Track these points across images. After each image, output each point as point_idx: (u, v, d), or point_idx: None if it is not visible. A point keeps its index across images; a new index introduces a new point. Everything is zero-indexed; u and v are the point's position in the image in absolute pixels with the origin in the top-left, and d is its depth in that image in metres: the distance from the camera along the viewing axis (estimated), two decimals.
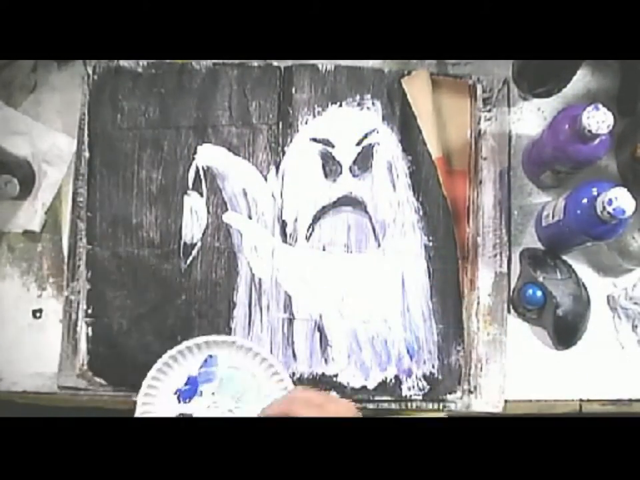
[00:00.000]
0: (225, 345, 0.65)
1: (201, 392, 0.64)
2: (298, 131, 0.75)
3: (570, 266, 0.73)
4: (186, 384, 0.65)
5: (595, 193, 0.63)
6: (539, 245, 0.76)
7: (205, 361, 0.65)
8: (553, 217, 0.69)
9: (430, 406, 0.72)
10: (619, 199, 0.59)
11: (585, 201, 0.64)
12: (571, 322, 0.71)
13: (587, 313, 0.73)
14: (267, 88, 0.76)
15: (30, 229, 0.74)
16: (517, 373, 0.73)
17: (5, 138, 0.75)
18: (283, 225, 0.74)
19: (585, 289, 0.73)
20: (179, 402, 0.64)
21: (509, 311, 0.74)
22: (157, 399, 0.64)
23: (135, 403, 0.71)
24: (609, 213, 0.60)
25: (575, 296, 0.71)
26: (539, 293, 0.71)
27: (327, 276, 0.73)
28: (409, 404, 0.72)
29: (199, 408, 0.64)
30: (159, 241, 0.74)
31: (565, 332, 0.72)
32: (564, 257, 0.74)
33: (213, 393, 0.64)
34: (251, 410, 0.63)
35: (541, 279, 0.71)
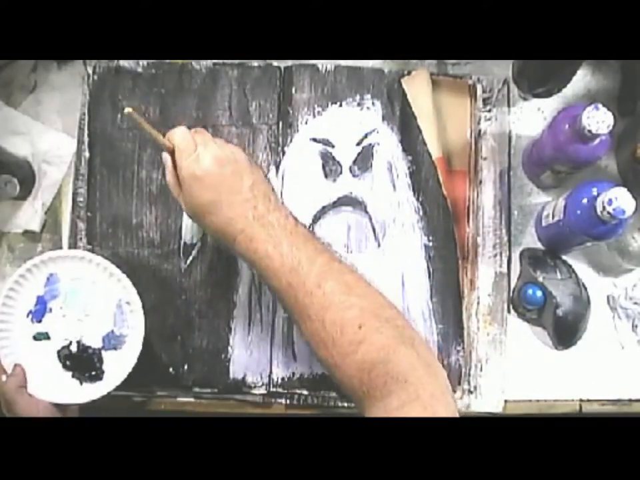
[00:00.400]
0: (63, 259, 0.66)
1: (50, 309, 0.66)
2: (298, 130, 0.75)
3: (570, 266, 0.73)
4: (36, 304, 0.66)
5: (595, 193, 0.63)
6: (539, 245, 0.76)
7: (47, 279, 0.66)
8: (552, 217, 0.69)
9: None
10: (619, 199, 0.59)
11: (585, 201, 0.64)
12: (571, 322, 0.71)
13: (587, 313, 0.73)
14: (266, 88, 0.76)
15: (30, 229, 0.74)
16: (516, 373, 0.73)
17: (5, 138, 0.75)
18: None
19: (585, 289, 0.73)
20: (32, 322, 0.65)
21: (508, 311, 0.74)
22: (11, 324, 0.65)
23: (134, 402, 0.72)
24: (608, 213, 0.60)
25: (574, 296, 0.71)
26: (539, 293, 0.71)
27: None
28: None
29: (51, 324, 0.66)
30: (159, 240, 0.74)
31: (565, 332, 0.72)
32: (564, 257, 0.74)
33: (61, 307, 0.66)
34: (98, 315, 0.66)
35: (540, 279, 0.71)
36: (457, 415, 0.52)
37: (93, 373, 0.65)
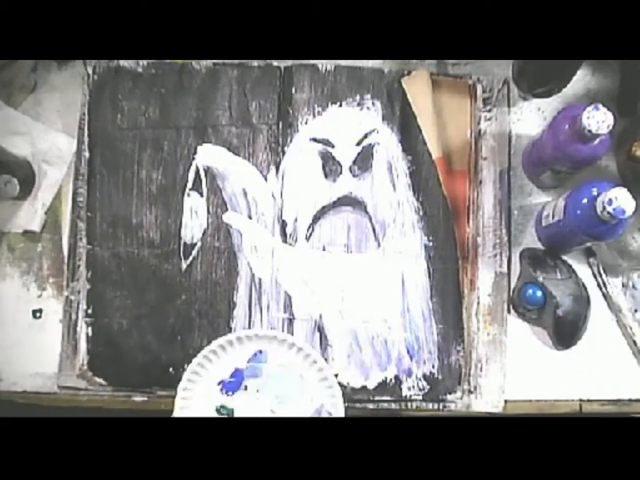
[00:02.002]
0: (276, 341, 0.63)
1: (246, 386, 0.62)
2: (298, 131, 0.75)
3: (570, 266, 0.73)
4: (231, 376, 0.62)
5: (595, 193, 0.63)
6: (538, 245, 0.76)
7: (254, 354, 0.63)
8: (553, 216, 0.69)
9: (430, 406, 0.72)
10: (619, 199, 0.59)
11: (585, 201, 0.64)
12: (571, 322, 0.71)
13: (587, 312, 0.73)
14: (266, 88, 0.76)
15: (30, 229, 0.74)
16: (516, 372, 0.73)
17: (5, 138, 0.75)
18: (283, 225, 0.74)
19: (585, 289, 0.73)
20: (222, 393, 0.62)
21: (509, 311, 0.74)
22: (198, 386, 0.62)
23: (134, 402, 0.72)
24: (609, 213, 0.60)
25: (575, 296, 0.71)
26: (539, 293, 0.71)
27: (327, 276, 0.73)
28: (409, 404, 0.72)
29: (241, 403, 0.61)
30: (158, 241, 0.74)
31: (565, 332, 0.72)
32: (564, 257, 0.74)
33: (257, 390, 0.62)
34: (290, 411, 0.62)
35: (541, 279, 0.71)
36: None
37: None
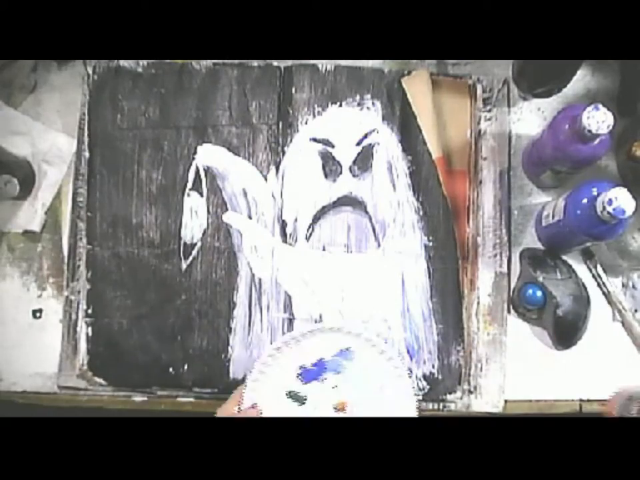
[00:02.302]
0: (367, 344, 0.61)
1: (324, 379, 0.60)
2: (298, 131, 0.75)
3: (570, 266, 0.73)
4: (313, 365, 0.61)
5: (595, 193, 0.63)
6: (539, 245, 0.76)
7: (342, 350, 0.61)
8: (553, 216, 0.69)
9: (430, 406, 0.72)
10: (619, 198, 0.59)
11: (585, 201, 0.64)
12: (571, 322, 0.71)
13: (587, 313, 0.73)
14: (267, 88, 0.76)
15: (30, 229, 0.74)
16: (516, 372, 0.73)
17: (5, 138, 0.75)
18: (283, 224, 0.74)
19: (585, 288, 0.73)
20: (297, 378, 0.60)
21: (509, 311, 0.74)
22: (276, 366, 0.60)
23: (134, 402, 0.72)
24: (609, 213, 0.60)
25: (575, 296, 0.71)
26: (539, 293, 0.71)
27: (326, 276, 0.73)
28: None
29: (315, 393, 0.60)
30: (158, 241, 0.74)
31: (565, 332, 0.72)
32: (564, 257, 0.74)
33: (335, 386, 0.60)
34: (358, 414, 0.60)
35: (540, 279, 0.71)
36: None
37: None
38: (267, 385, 0.60)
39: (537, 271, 0.72)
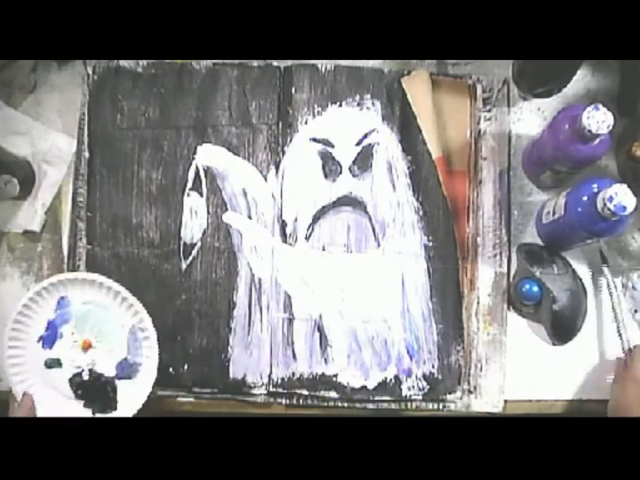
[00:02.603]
0: (73, 282, 0.65)
1: (61, 334, 0.64)
2: (298, 131, 0.75)
3: (567, 261, 0.73)
4: (46, 329, 0.64)
5: (596, 190, 0.63)
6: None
7: (58, 302, 0.64)
8: (553, 214, 0.69)
9: (430, 406, 0.72)
10: (620, 195, 0.59)
11: (585, 198, 0.64)
12: (567, 317, 0.71)
13: (584, 307, 0.73)
14: (266, 88, 0.76)
15: (30, 229, 0.74)
16: (516, 372, 0.73)
17: (5, 138, 0.75)
18: (283, 224, 0.74)
19: (582, 283, 0.73)
20: (44, 348, 0.64)
21: (508, 309, 0.74)
22: (24, 350, 0.63)
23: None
24: (609, 209, 0.60)
25: (571, 291, 0.71)
26: (536, 288, 0.71)
27: (326, 276, 0.73)
28: (409, 404, 0.72)
29: (63, 350, 0.64)
30: (158, 241, 0.74)
31: (562, 327, 0.72)
32: (562, 254, 0.74)
33: (72, 333, 0.64)
34: (111, 341, 0.64)
35: (537, 274, 0.71)
36: None
37: (106, 403, 0.63)
38: (27, 367, 0.63)
39: (533, 265, 0.72)
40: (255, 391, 0.71)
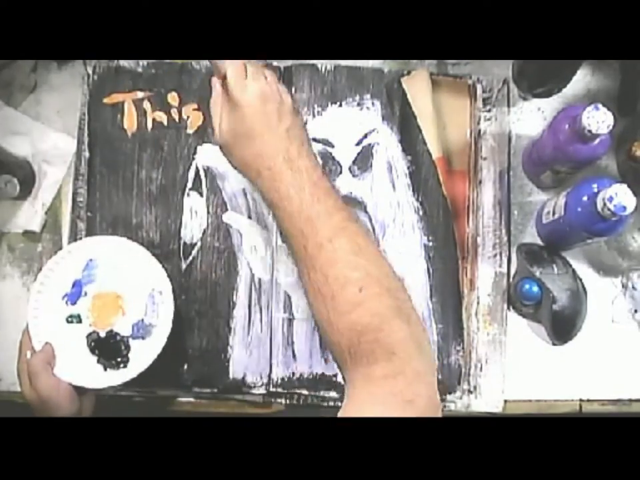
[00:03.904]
0: (102, 245, 0.67)
1: (85, 292, 0.66)
2: None
3: (567, 261, 0.73)
4: (72, 287, 0.66)
5: (596, 190, 0.63)
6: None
7: (87, 264, 0.67)
8: (553, 214, 0.69)
9: None
10: (620, 195, 0.59)
11: (585, 197, 0.64)
12: (567, 317, 0.72)
13: (584, 307, 0.73)
14: None
15: (30, 229, 0.74)
16: (516, 372, 0.73)
17: (5, 138, 0.75)
18: None
19: (582, 283, 0.73)
20: (67, 305, 0.66)
21: (508, 309, 0.74)
22: (46, 305, 0.66)
23: (134, 402, 0.72)
24: (609, 209, 0.60)
25: (571, 291, 0.71)
26: (535, 288, 0.71)
27: None
28: None
29: (85, 308, 0.66)
30: (158, 241, 0.74)
31: (562, 327, 0.72)
32: (562, 254, 0.74)
33: (96, 293, 0.67)
34: (130, 303, 0.67)
35: (537, 274, 0.71)
36: (437, 397, 0.52)
37: (119, 360, 0.65)
38: (47, 321, 0.65)
39: (533, 265, 0.72)
40: (254, 391, 0.71)
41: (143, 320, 0.66)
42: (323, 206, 0.54)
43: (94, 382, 0.64)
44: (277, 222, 0.57)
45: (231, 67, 0.58)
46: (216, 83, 0.59)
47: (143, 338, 0.66)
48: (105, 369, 0.65)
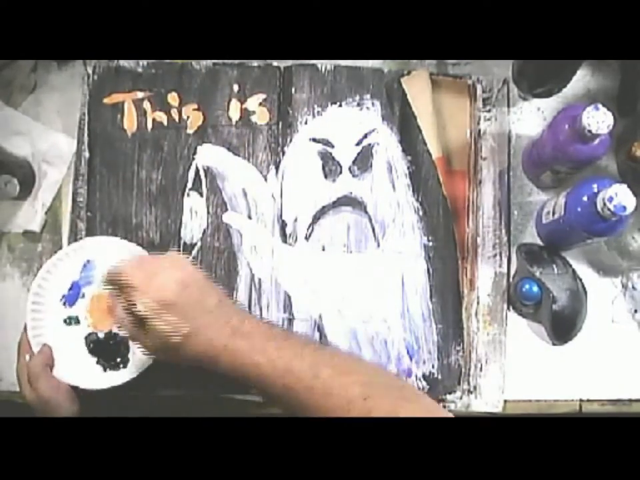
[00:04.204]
0: (99, 246, 0.67)
1: (84, 294, 0.67)
2: (298, 131, 0.75)
3: (567, 261, 0.73)
4: (70, 289, 0.67)
5: (596, 190, 0.63)
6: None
7: (84, 265, 0.67)
8: (553, 214, 0.69)
9: None
10: (620, 195, 0.59)
11: (585, 198, 0.64)
12: (567, 317, 0.72)
13: (584, 307, 0.73)
14: (266, 88, 0.76)
15: (30, 229, 0.74)
16: (516, 372, 0.73)
17: (5, 138, 0.75)
18: (283, 225, 0.74)
19: (582, 283, 0.73)
20: (65, 306, 0.66)
21: (508, 309, 0.74)
22: (44, 307, 0.66)
23: (134, 402, 0.72)
24: (609, 209, 0.60)
25: (571, 290, 0.71)
26: (535, 288, 0.71)
27: (326, 276, 0.73)
28: None
29: (83, 309, 0.67)
30: (158, 241, 0.74)
31: (562, 327, 0.72)
32: (562, 254, 0.74)
33: (94, 294, 0.67)
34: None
35: (537, 274, 0.71)
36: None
37: (118, 360, 0.66)
38: (45, 323, 0.65)
39: (533, 265, 0.72)
40: (255, 391, 0.71)
41: None
42: (289, 352, 0.54)
43: (94, 383, 0.64)
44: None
45: (125, 276, 0.55)
46: (114, 301, 0.57)
47: None
48: (105, 370, 0.65)
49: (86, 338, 0.66)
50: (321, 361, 0.54)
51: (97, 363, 0.66)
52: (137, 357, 0.65)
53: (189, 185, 0.75)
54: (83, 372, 0.64)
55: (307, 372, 0.53)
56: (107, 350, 0.66)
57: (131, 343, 0.65)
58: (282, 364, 0.53)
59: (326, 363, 0.54)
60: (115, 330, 0.66)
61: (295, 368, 0.53)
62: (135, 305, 0.53)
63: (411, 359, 0.72)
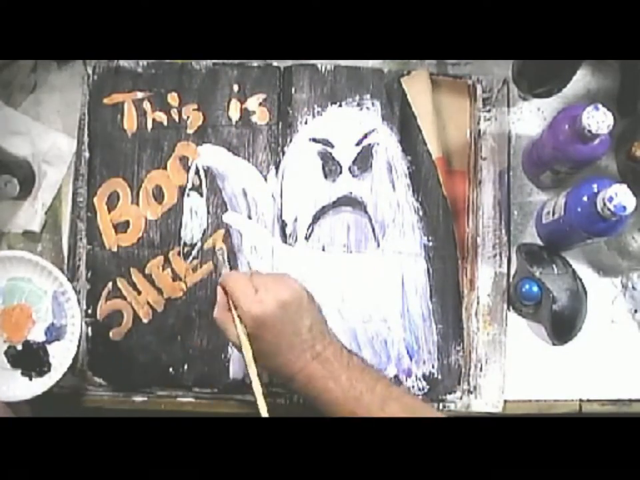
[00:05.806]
0: (6, 259, 0.68)
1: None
2: (297, 131, 0.75)
3: (567, 261, 0.73)
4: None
5: (596, 190, 0.63)
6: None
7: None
8: (553, 214, 0.69)
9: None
10: (620, 195, 0.59)
11: (585, 198, 0.64)
12: (567, 317, 0.72)
13: (584, 307, 0.73)
14: (266, 88, 0.76)
15: (30, 229, 0.74)
16: (516, 372, 0.73)
17: (5, 138, 0.75)
18: (283, 225, 0.74)
19: (582, 283, 0.73)
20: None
21: (508, 310, 0.74)
22: None
23: (134, 402, 0.72)
24: (609, 209, 0.60)
25: (571, 291, 0.71)
26: (535, 288, 0.71)
27: (326, 276, 0.73)
28: None
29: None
30: (159, 241, 0.74)
31: (562, 327, 0.72)
32: (562, 254, 0.74)
33: (1, 308, 0.68)
34: (37, 310, 0.69)
35: (537, 274, 0.71)
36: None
37: (41, 367, 0.67)
38: None
39: (533, 265, 0.72)
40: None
41: (53, 323, 0.68)
42: (362, 384, 0.56)
43: (23, 393, 0.65)
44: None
45: (234, 284, 0.58)
46: (222, 296, 0.60)
47: (58, 339, 0.68)
48: (31, 379, 0.67)
49: (5, 353, 0.67)
50: (389, 396, 0.56)
51: (22, 374, 0.67)
52: (58, 359, 0.67)
53: (189, 185, 0.75)
54: (10, 386, 0.66)
55: (375, 405, 0.56)
56: (27, 360, 0.67)
57: (48, 348, 0.68)
58: (353, 394, 0.56)
59: (394, 399, 0.56)
60: (30, 339, 0.68)
61: (365, 400, 0.56)
62: (238, 308, 0.57)
63: (410, 359, 0.72)
